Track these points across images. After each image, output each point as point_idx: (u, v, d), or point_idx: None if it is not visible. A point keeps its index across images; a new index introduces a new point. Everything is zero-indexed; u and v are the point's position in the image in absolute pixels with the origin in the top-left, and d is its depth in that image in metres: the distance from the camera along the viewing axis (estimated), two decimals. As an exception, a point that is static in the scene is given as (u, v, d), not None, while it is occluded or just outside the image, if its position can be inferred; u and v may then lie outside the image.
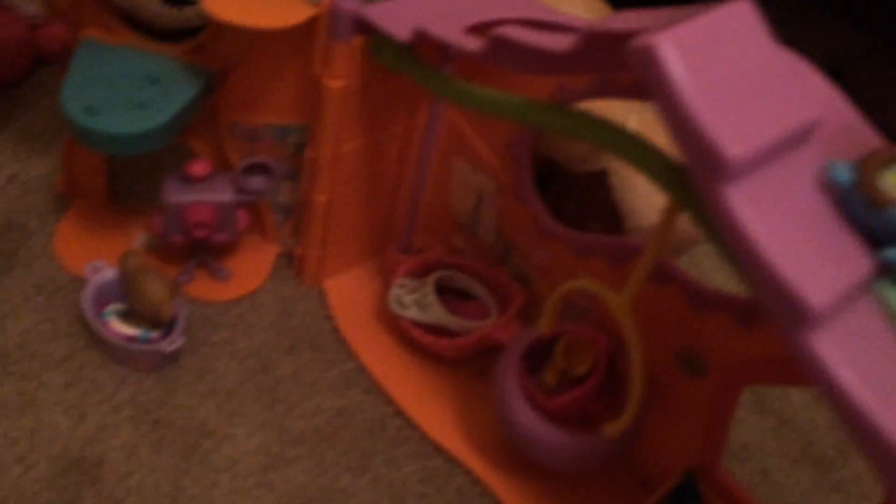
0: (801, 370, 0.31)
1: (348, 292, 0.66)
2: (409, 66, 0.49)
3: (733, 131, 0.31)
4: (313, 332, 0.63)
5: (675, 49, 0.31)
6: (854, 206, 0.32)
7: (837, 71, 0.95)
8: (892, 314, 0.32)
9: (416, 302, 0.60)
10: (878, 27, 0.73)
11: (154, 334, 0.57)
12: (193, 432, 0.55)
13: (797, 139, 0.33)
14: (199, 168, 0.56)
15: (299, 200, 0.62)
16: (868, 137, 0.38)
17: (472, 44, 0.42)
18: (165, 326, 0.57)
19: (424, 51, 0.50)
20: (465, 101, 0.46)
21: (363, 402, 0.60)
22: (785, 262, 0.30)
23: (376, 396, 0.60)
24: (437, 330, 0.61)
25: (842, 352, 0.31)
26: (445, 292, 0.64)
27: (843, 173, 0.33)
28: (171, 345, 0.56)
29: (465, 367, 0.62)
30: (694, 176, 0.32)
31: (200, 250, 0.63)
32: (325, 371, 0.61)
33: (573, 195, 0.61)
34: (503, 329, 0.59)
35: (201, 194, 0.57)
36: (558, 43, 0.38)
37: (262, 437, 0.56)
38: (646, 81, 0.31)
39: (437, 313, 0.60)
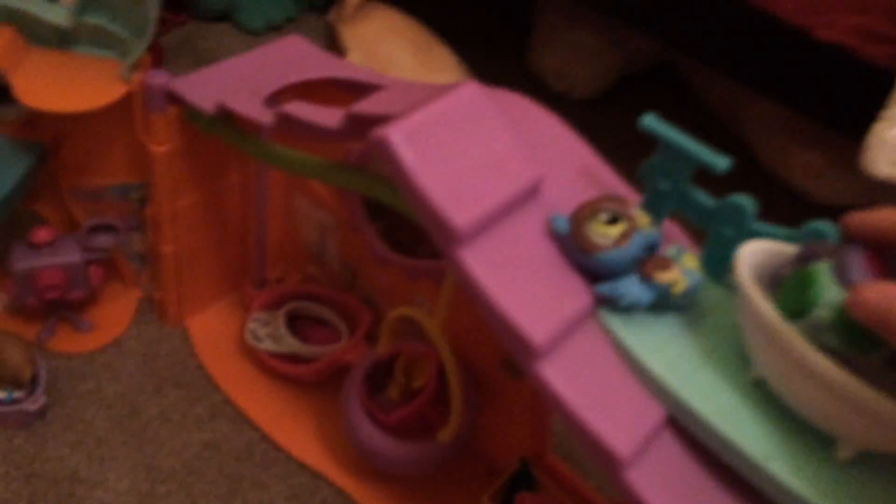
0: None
1: (211, 329, 0.70)
2: (221, 132, 0.53)
3: (460, 204, 0.36)
4: (178, 371, 0.67)
5: (405, 138, 0.36)
6: (571, 252, 0.39)
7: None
8: (611, 333, 0.39)
9: (269, 335, 0.65)
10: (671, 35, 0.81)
11: (18, 394, 0.61)
12: (65, 482, 0.59)
13: (522, 199, 0.39)
14: (42, 234, 0.60)
15: (149, 250, 0.66)
16: (606, 177, 0.45)
17: (266, 117, 0.47)
18: (28, 386, 0.61)
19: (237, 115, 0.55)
20: (273, 161, 0.51)
21: (230, 432, 0.64)
22: (511, 308, 0.37)
23: (242, 425, 0.65)
24: (293, 357, 0.66)
25: (565, 374, 0.37)
26: (301, 320, 0.69)
27: (562, 225, 0.39)
28: (34, 403, 0.59)
29: (325, 387, 0.67)
30: (436, 241, 0.38)
31: (59, 307, 0.66)
32: (191, 407, 0.65)
33: (405, 222, 0.67)
34: (352, 351, 0.65)
35: (48, 258, 0.61)
36: (330, 119, 0.43)
37: (133, 478, 0.60)
38: (385, 166, 0.37)
39: (289, 343, 0.65)
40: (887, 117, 0.57)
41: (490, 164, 0.38)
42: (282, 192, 0.66)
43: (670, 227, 0.45)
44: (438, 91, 0.39)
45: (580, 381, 0.37)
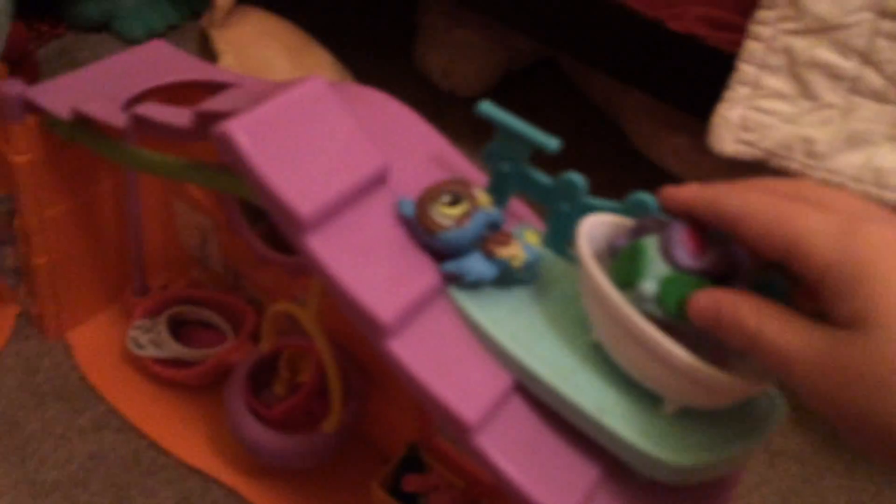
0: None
1: (93, 340, 0.69)
2: (82, 138, 0.53)
3: (304, 193, 0.38)
4: (60, 385, 0.66)
5: (245, 131, 0.37)
6: (418, 234, 0.41)
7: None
8: (460, 309, 0.41)
9: (151, 341, 0.65)
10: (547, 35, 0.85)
11: None
12: (-59, 504, 0.58)
13: (369, 186, 0.41)
14: None
15: (22, 264, 0.65)
16: (457, 163, 0.47)
17: (121, 120, 0.48)
18: None
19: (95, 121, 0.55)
20: (137, 165, 0.51)
21: (115, 441, 0.64)
22: (359, 290, 0.38)
23: (128, 434, 0.64)
24: (178, 362, 0.66)
25: (414, 349, 0.39)
26: (186, 325, 0.69)
27: (408, 208, 0.41)
28: None
29: (213, 390, 0.68)
30: (285, 231, 0.39)
31: (-70, 326, 0.64)
32: (74, 419, 0.64)
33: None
34: (237, 351, 0.65)
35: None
36: (181, 119, 0.44)
37: (14, 495, 0.59)
38: (231, 161, 0.38)
39: (172, 348, 0.65)
40: (729, 98, 0.61)
41: (335, 153, 0.40)
42: (159, 197, 0.66)
43: (521, 208, 0.48)
44: (285, 87, 0.40)
45: (429, 356, 0.39)
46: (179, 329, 0.68)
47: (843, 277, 0.29)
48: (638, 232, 0.39)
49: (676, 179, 0.92)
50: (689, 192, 0.36)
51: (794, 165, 0.60)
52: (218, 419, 0.66)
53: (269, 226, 0.68)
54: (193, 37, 0.92)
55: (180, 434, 0.65)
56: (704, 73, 0.74)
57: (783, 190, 0.34)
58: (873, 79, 0.56)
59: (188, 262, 0.71)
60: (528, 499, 0.38)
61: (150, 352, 0.65)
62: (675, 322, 0.36)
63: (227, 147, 0.37)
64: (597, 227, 0.40)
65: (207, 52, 0.76)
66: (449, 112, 1.03)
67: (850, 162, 0.58)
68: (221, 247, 0.67)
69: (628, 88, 0.96)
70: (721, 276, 0.36)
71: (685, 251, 0.36)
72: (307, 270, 0.62)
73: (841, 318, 0.29)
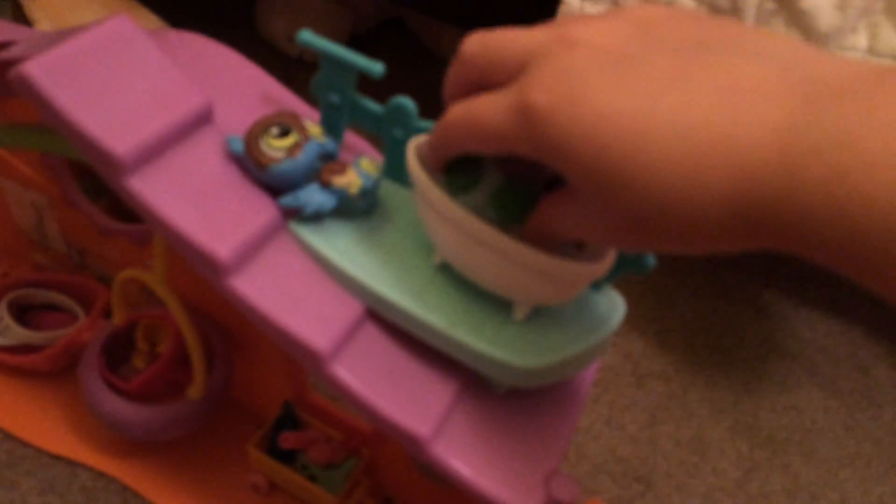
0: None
1: (-73, 337, 0.64)
2: None
3: (119, 133, 0.36)
4: None
5: (45, 71, 0.35)
6: (251, 169, 0.40)
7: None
8: (303, 243, 0.41)
9: (-8, 329, 0.61)
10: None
11: None
12: None
13: (192, 125, 0.39)
14: None
15: None
16: (288, 101, 0.47)
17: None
18: None
19: None
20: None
21: (-36, 439, 0.60)
22: (191, 229, 0.37)
23: (-22, 430, 0.61)
24: (26, 348, 0.62)
25: (257, 285, 0.38)
26: (34, 310, 0.65)
27: (237, 144, 0.40)
28: None
29: (70, 374, 0.64)
30: (105, 177, 0.37)
31: None
32: (-87, 423, 0.60)
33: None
34: (88, 330, 0.62)
35: None
36: (-20, 75, 0.41)
37: None
38: (32, 104, 0.36)
39: (16, 334, 0.61)
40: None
41: (150, 92, 0.38)
42: (-15, 178, 0.62)
43: (360, 143, 0.48)
44: (87, 27, 0.38)
45: (274, 291, 0.39)
46: (26, 315, 0.64)
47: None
48: None
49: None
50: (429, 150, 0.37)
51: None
52: (76, 403, 0.63)
53: (113, 199, 0.65)
54: (7, 13, 0.86)
55: (37, 422, 0.61)
56: (540, 12, 0.76)
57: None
58: (685, 3, 0.59)
59: (28, 245, 0.67)
60: (389, 421, 0.39)
61: (-7, 341, 0.61)
62: (512, 223, 0.37)
63: (26, 89, 0.35)
64: (425, 147, 0.41)
65: (23, 23, 0.71)
66: (298, 77, 1.01)
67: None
68: (60, 224, 0.63)
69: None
70: (549, 177, 0.37)
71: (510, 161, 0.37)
72: (151, 238, 0.60)
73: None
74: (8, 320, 0.61)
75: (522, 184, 0.37)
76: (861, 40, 0.55)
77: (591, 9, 0.61)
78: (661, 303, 0.86)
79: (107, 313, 0.64)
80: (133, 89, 0.37)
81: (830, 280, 0.92)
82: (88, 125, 0.36)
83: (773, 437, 0.75)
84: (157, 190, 0.37)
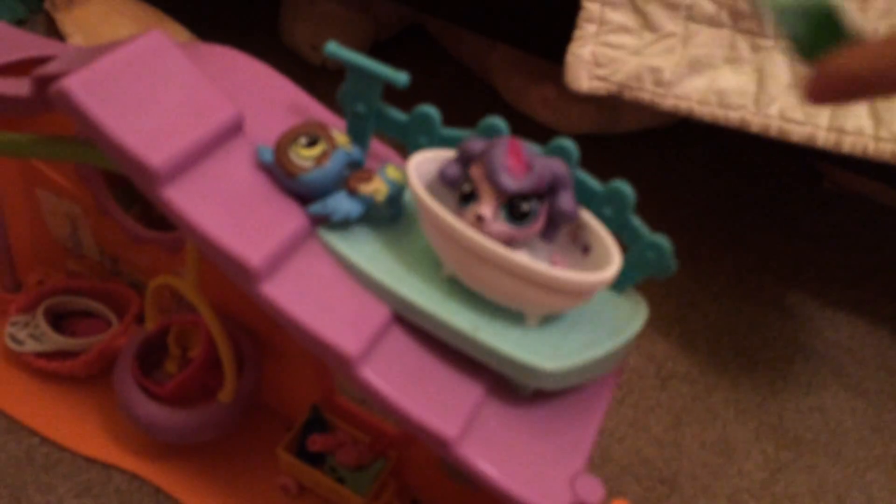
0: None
1: (-33, 344, 0.66)
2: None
3: (154, 144, 0.38)
4: (-65, 393, 0.63)
5: (84, 86, 0.37)
6: (280, 179, 0.41)
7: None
8: (332, 249, 0.42)
9: (30, 335, 0.63)
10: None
11: None
12: None
13: (224, 136, 0.41)
14: None
15: None
16: (315, 111, 0.48)
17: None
18: None
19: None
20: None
21: (5, 442, 0.61)
22: (224, 237, 0.38)
23: (18, 433, 0.62)
24: (62, 354, 0.64)
25: (289, 291, 0.40)
26: (69, 316, 0.67)
27: (267, 154, 0.41)
28: None
29: (105, 379, 0.66)
30: (141, 188, 0.39)
31: None
32: (-45, 426, 0.62)
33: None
34: (122, 336, 0.64)
35: None
36: (20, 89, 0.42)
37: None
38: (71, 118, 0.37)
39: (53, 340, 0.63)
40: (578, 36, 0.64)
41: (183, 105, 0.39)
42: (18, 188, 0.64)
43: (385, 151, 0.49)
44: (123, 43, 0.40)
45: (305, 296, 0.40)
46: (62, 322, 0.66)
47: None
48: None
49: (547, 129, 0.95)
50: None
51: (645, 95, 0.63)
52: (111, 407, 0.64)
53: (144, 206, 0.66)
54: (43, 30, 0.89)
55: (73, 426, 0.63)
56: (559, 18, 0.76)
57: None
58: (705, 5, 0.60)
59: (61, 254, 0.69)
60: (417, 422, 0.40)
61: (30, 346, 0.62)
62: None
63: (66, 105, 0.37)
64: (423, 164, 0.41)
65: (55, 36, 0.73)
66: (321, 86, 1.03)
67: (695, 86, 0.62)
68: (93, 232, 0.65)
69: (494, 44, 0.98)
70: (546, 188, 0.38)
71: (509, 176, 0.38)
72: (183, 245, 0.62)
73: None
74: (44, 327, 0.62)
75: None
76: (882, 41, 0.55)
77: (611, 15, 0.62)
78: (685, 304, 0.86)
79: (140, 319, 0.65)
80: (167, 102, 0.39)
81: (856, 281, 0.91)
82: (125, 138, 0.37)
83: (799, 439, 0.75)
84: (191, 200, 0.38)
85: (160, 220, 0.66)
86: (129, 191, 0.66)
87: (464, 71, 1.09)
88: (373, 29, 1.05)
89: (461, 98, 1.05)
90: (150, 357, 0.61)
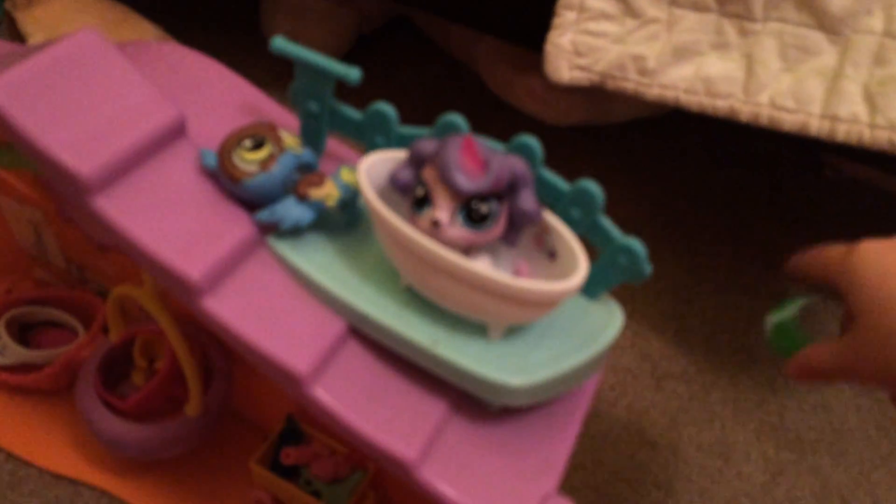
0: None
1: (-70, 358, 0.64)
2: None
3: (83, 151, 0.35)
4: None
5: (6, 90, 0.34)
6: (225, 184, 0.38)
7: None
8: (282, 259, 0.39)
9: (-8, 349, 0.60)
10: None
11: None
12: None
13: (163, 140, 0.38)
14: None
15: None
16: (269, 110, 0.45)
17: None
18: None
19: None
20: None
21: (-33, 460, 0.59)
22: (162, 249, 0.36)
23: (-19, 450, 0.60)
24: (27, 367, 0.61)
25: (233, 306, 0.37)
26: (36, 327, 0.64)
27: (210, 159, 0.38)
28: None
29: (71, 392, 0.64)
30: (72, 198, 0.36)
31: None
32: (-84, 444, 0.59)
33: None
34: (88, 347, 0.61)
35: None
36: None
37: None
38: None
39: (15, 352, 0.60)
40: (557, 25, 0.61)
41: (118, 108, 0.37)
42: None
43: (346, 151, 0.46)
44: (53, 42, 0.37)
45: (251, 310, 0.37)
46: (27, 333, 0.64)
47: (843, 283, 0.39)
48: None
49: (535, 121, 0.92)
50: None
51: (629, 85, 0.60)
52: (79, 421, 0.62)
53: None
54: (2, 29, 0.86)
55: (39, 442, 0.61)
56: (541, 7, 0.73)
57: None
58: (690, -13, 0.57)
59: (27, 262, 0.67)
60: (373, 444, 0.37)
61: (-8, 361, 0.60)
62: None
63: (-15, 112, 0.34)
64: (377, 166, 0.38)
65: (16, 37, 0.71)
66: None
67: (681, 75, 0.58)
68: (58, 240, 0.63)
69: (480, 35, 0.95)
70: (506, 188, 0.35)
71: (465, 176, 0.35)
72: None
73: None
74: (6, 339, 0.60)
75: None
76: (877, 23, 0.52)
77: (591, 2, 0.59)
78: (681, 300, 0.83)
79: (106, 329, 0.63)
80: (100, 105, 0.36)
81: (859, 272, 0.88)
82: (52, 146, 0.34)
83: (802, 439, 0.72)
84: (125, 209, 0.36)
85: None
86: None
87: (453, 63, 1.06)
88: (356, 22, 1.02)
89: (450, 91, 1.02)
90: (115, 369, 0.59)
